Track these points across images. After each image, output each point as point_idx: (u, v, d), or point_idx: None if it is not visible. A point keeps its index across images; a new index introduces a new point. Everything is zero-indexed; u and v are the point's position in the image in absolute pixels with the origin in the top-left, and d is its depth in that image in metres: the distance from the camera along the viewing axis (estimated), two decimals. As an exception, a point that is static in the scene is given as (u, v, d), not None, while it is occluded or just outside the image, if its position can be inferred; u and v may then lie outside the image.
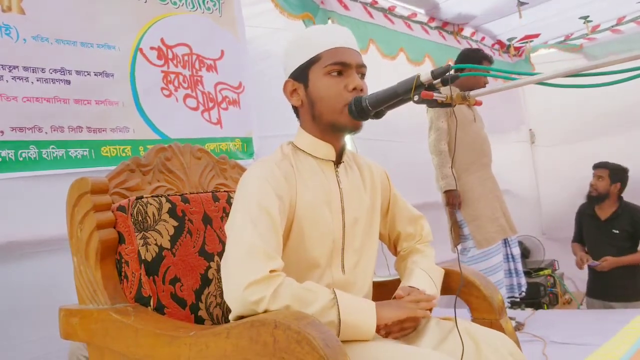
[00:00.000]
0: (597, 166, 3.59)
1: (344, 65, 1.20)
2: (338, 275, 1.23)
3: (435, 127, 3.03)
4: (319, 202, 1.21)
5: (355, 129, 1.22)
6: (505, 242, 3.18)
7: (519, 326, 3.06)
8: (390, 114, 1.25)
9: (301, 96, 1.24)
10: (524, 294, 3.27)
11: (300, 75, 1.23)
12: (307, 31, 1.29)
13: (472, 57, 3.15)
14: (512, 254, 3.22)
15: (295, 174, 1.20)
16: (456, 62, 3.27)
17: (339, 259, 1.24)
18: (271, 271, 1.02)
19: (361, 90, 1.20)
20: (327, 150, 1.25)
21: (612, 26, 4.69)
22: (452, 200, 3.01)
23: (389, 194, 1.41)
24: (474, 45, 4.60)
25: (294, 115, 1.31)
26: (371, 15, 3.58)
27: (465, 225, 3.09)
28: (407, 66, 3.77)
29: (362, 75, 1.24)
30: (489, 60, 3.18)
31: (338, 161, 1.27)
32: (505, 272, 3.16)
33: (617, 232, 3.46)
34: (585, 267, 3.59)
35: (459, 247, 3.16)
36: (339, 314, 1.02)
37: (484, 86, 3.07)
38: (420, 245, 1.42)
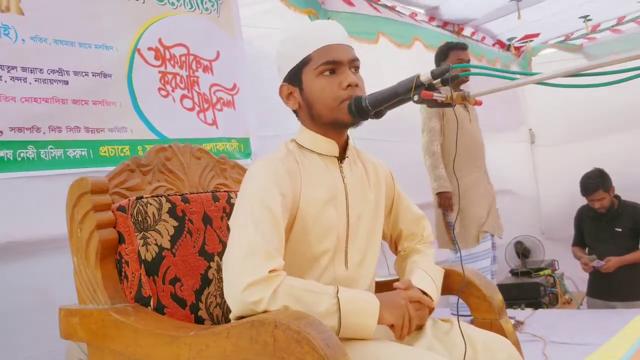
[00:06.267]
0: (588, 193, 3.48)
1: (336, 64, 1.19)
2: (341, 271, 1.23)
3: (428, 128, 2.99)
4: (323, 198, 1.20)
5: (356, 122, 1.22)
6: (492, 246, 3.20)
7: (517, 324, 3.06)
8: (390, 114, 1.25)
9: (298, 99, 1.24)
10: None
11: (294, 78, 1.23)
12: (295, 32, 1.26)
13: (440, 55, 3.11)
14: (495, 256, 3.26)
15: (300, 170, 1.20)
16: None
17: (343, 254, 1.24)
18: (271, 271, 1.01)
19: (356, 85, 1.19)
20: (330, 146, 1.25)
21: (612, 26, 4.69)
22: (444, 202, 2.98)
23: (393, 193, 1.40)
24: (474, 46, 4.60)
25: (294, 114, 1.31)
26: (377, 10, 3.58)
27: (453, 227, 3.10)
28: (425, 53, 3.68)
29: (356, 69, 1.23)
30: (458, 48, 3.08)
31: (342, 157, 1.27)
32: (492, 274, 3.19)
33: (620, 230, 3.46)
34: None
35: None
36: (340, 318, 1.02)
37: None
38: (420, 246, 1.41)
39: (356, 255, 1.26)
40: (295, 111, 1.29)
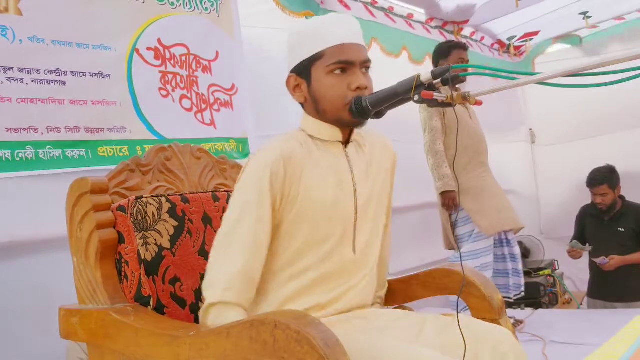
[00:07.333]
0: (593, 185, 3.48)
1: (348, 64, 1.18)
2: (349, 254, 1.23)
3: (430, 128, 2.97)
4: (329, 183, 1.20)
5: (359, 124, 1.22)
6: (503, 242, 3.13)
7: (517, 323, 3.05)
8: (390, 114, 1.25)
9: (304, 92, 1.23)
10: (523, 294, 3.21)
11: (303, 71, 1.22)
12: (310, 24, 1.26)
13: (441, 53, 3.10)
14: (512, 254, 3.16)
15: (303, 154, 1.20)
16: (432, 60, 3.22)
17: (351, 239, 1.23)
18: (212, 304, 1.10)
19: (365, 88, 1.19)
20: (334, 132, 1.24)
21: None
22: (449, 202, 2.94)
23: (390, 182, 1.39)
24: (474, 46, 4.59)
25: (293, 113, 1.31)
26: (373, 15, 3.58)
27: (461, 224, 3.05)
28: (409, 65, 3.73)
29: (367, 69, 1.23)
30: (460, 47, 3.07)
31: (347, 141, 1.27)
32: (502, 272, 3.13)
33: (623, 230, 3.45)
34: (586, 260, 3.58)
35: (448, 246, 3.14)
36: None
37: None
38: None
39: (364, 238, 1.26)
40: (301, 103, 1.28)
